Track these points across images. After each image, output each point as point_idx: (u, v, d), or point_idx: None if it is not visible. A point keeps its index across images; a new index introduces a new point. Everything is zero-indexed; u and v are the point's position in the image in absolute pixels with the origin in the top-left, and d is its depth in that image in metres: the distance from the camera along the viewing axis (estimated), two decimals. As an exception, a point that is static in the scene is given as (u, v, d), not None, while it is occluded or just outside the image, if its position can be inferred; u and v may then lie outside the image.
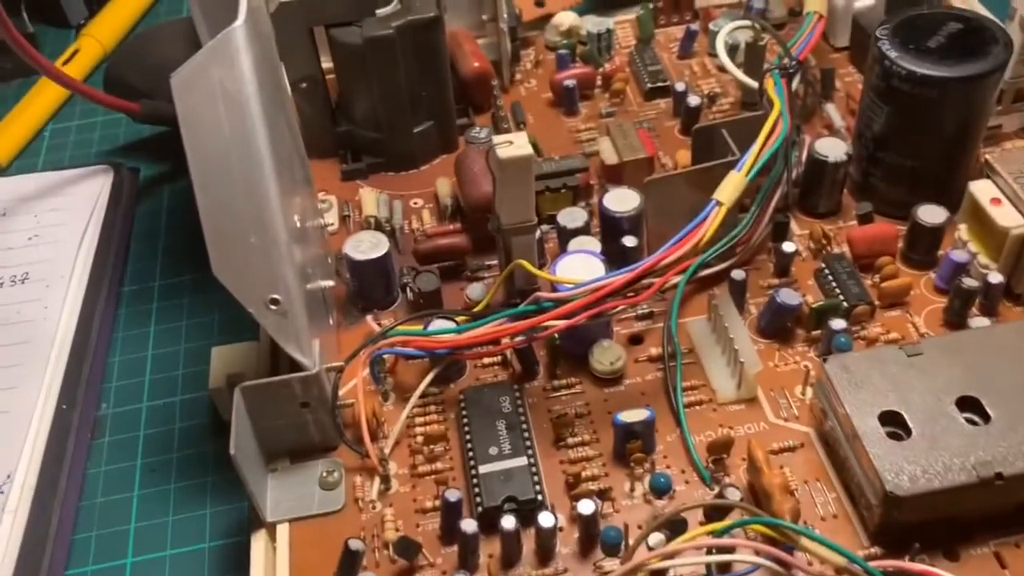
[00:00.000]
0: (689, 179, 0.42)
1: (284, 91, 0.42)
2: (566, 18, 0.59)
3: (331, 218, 0.50)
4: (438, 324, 0.41)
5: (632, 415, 0.37)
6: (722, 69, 0.55)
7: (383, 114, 0.51)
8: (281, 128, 0.38)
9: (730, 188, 0.39)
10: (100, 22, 0.70)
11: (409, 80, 0.50)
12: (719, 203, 0.39)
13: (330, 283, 0.42)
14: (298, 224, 0.38)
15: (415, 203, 0.51)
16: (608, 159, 0.49)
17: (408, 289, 0.45)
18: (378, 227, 0.49)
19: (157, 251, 0.55)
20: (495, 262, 0.46)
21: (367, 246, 0.44)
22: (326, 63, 0.51)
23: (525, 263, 0.40)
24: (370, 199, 0.50)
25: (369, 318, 0.45)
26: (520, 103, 0.56)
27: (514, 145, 0.38)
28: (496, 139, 0.39)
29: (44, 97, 0.64)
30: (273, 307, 0.36)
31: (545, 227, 0.47)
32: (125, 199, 0.56)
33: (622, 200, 0.45)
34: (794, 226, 0.47)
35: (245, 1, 0.35)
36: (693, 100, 0.51)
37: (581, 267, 0.41)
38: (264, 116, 0.35)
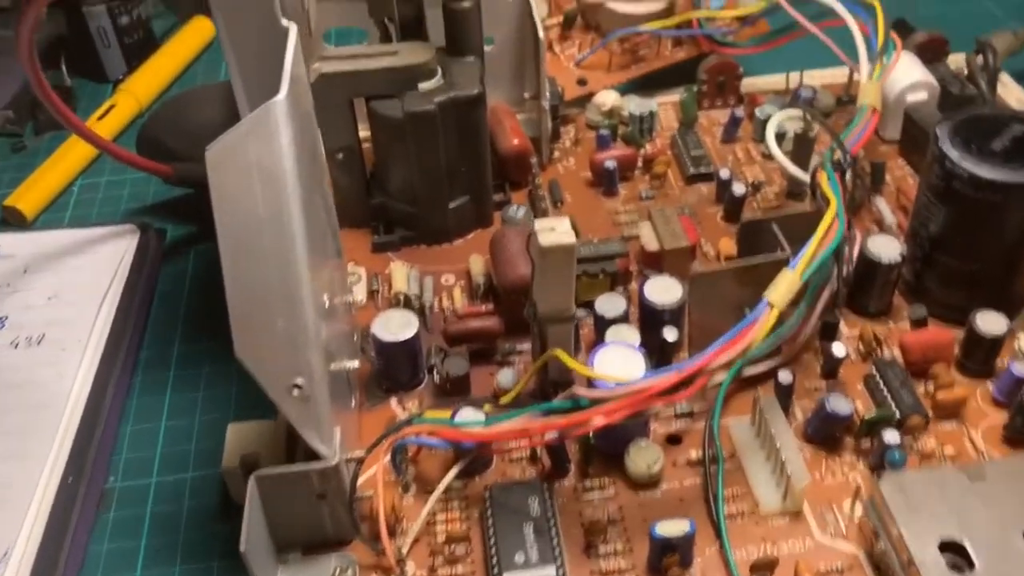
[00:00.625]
0: (737, 275, 0.40)
1: (321, 163, 0.40)
2: (608, 97, 0.57)
3: (360, 292, 0.48)
4: (466, 414, 0.39)
5: (671, 528, 0.35)
6: (768, 156, 0.53)
7: (419, 188, 0.49)
8: (316, 203, 0.37)
9: (783, 289, 0.37)
10: (138, 79, 0.70)
11: (448, 155, 0.48)
12: (771, 305, 0.37)
13: (355, 364, 0.40)
14: (326, 303, 0.37)
15: (446, 280, 0.49)
16: (649, 245, 0.47)
17: (435, 371, 0.44)
18: (407, 304, 0.47)
19: (178, 316, 0.53)
20: (527, 346, 0.45)
21: (396, 325, 0.42)
22: (363, 131, 0.50)
23: (562, 354, 0.38)
24: (400, 274, 0.48)
25: (393, 401, 0.43)
26: (558, 181, 0.54)
27: (557, 232, 0.37)
28: (538, 224, 0.37)
29: (75, 153, 0.63)
30: (296, 392, 0.34)
31: (581, 313, 0.45)
32: (150, 261, 0.55)
33: (664, 290, 0.43)
34: (843, 326, 0.45)
35: (288, 72, 0.34)
36: (738, 189, 0.50)
37: (620, 360, 0.39)
38: (300, 193, 0.33)
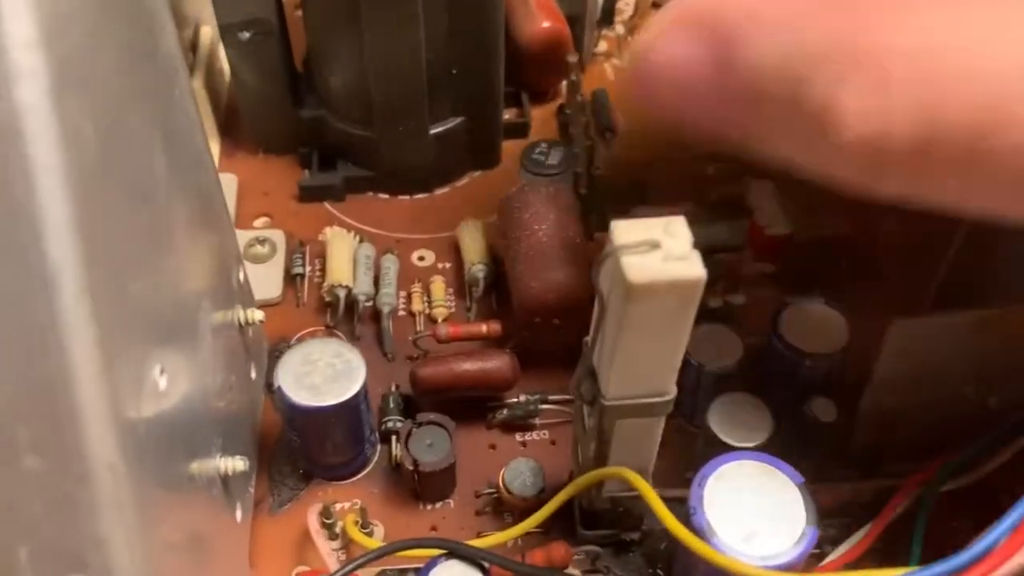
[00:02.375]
0: (978, 325, 0.21)
1: (166, 61, 0.20)
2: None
3: (271, 279, 0.28)
4: (448, 574, 0.21)
5: None
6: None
7: (380, 96, 0.29)
8: (140, 161, 0.17)
9: None
10: None
11: (433, 45, 0.28)
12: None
13: (240, 465, 0.21)
14: (160, 381, 0.17)
15: (421, 259, 0.30)
16: (772, 226, 0.28)
17: (394, 442, 0.25)
18: (350, 306, 0.28)
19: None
20: (562, 400, 0.26)
21: (325, 373, 0.23)
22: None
23: (636, 481, 0.20)
24: (342, 247, 0.28)
25: (312, 511, 0.23)
26: (606, 91, 0.34)
27: (665, 255, 0.17)
28: (620, 233, 0.17)
29: None
30: (77, 594, 0.16)
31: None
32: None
33: (814, 327, 0.24)
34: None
35: None
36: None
37: (759, 508, 0.20)
38: (71, 157, 0.13)
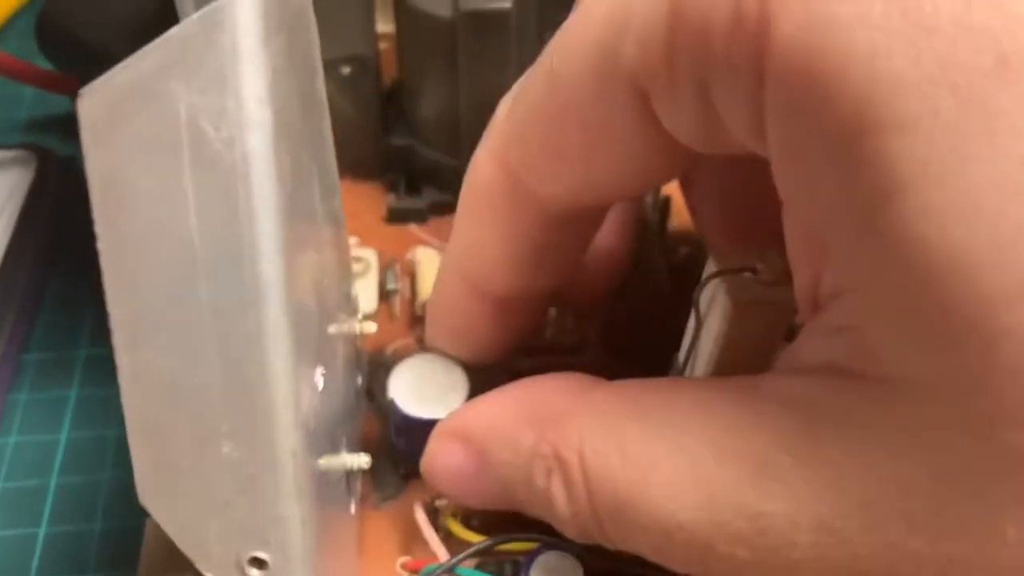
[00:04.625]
0: None
1: (319, 101, 0.22)
2: None
3: (367, 295, 0.31)
4: (544, 568, 0.23)
5: None
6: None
7: (469, 128, 0.31)
8: (306, 195, 0.19)
9: None
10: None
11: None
12: None
13: (363, 462, 0.23)
14: (320, 382, 0.19)
15: (501, 277, 0.32)
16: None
17: (486, 446, 0.27)
18: (442, 322, 0.30)
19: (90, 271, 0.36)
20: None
21: (433, 387, 0.25)
22: (383, 28, 0.32)
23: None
24: (431, 271, 0.31)
25: (418, 504, 0.26)
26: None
27: (755, 277, 0.20)
28: (719, 255, 0.20)
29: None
30: (255, 571, 0.18)
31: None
32: (50, 197, 0.37)
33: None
34: None
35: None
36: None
37: None
38: (282, 196, 0.16)
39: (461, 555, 0.23)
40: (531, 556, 0.23)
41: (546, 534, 0.23)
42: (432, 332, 0.26)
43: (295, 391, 0.17)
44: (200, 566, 0.18)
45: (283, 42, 0.17)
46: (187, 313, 0.16)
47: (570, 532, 0.20)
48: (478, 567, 0.24)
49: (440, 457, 0.22)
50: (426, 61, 0.31)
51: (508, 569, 0.24)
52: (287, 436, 0.17)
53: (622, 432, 0.18)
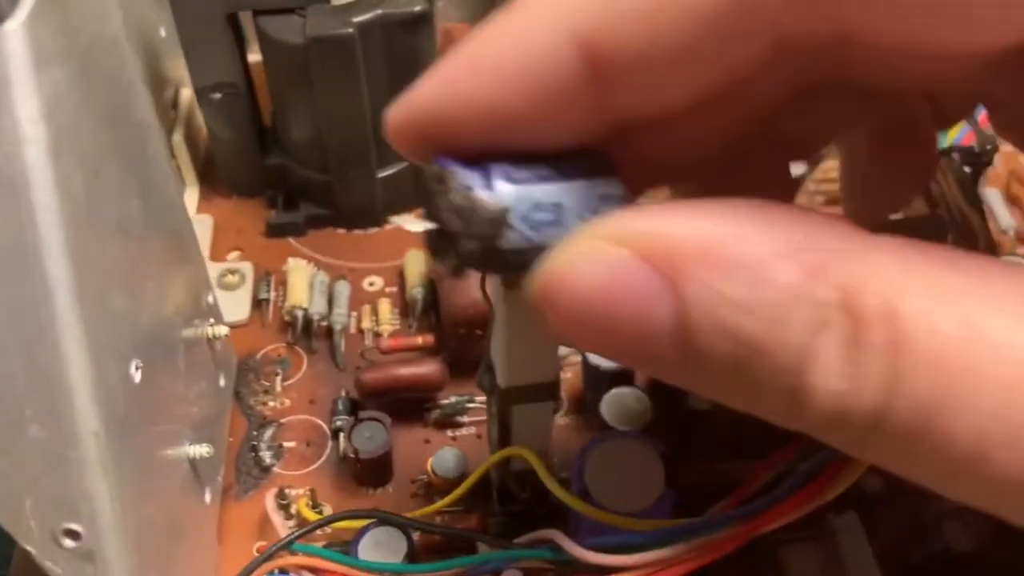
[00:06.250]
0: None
1: (139, 126, 0.24)
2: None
3: (240, 303, 0.33)
4: (373, 544, 0.25)
5: None
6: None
7: (333, 146, 0.34)
8: (116, 203, 0.22)
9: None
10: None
11: (376, 100, 0.33)
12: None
13: (204, 451, 0.26)
14: (135, 373, 0.22)
15: (371, 283, 0.34)
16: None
17: (339, 437, 0.29)
18: (307, 325, 0.32)
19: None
20: (483, 402, 0.30)
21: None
22: (254, 57, 0.34)
23: (532, 458, 0.24)
24: (300, 277, 0.33)
25: (269, 495, 0.28)
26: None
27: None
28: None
29: None
30: (68, 543, 0.20)
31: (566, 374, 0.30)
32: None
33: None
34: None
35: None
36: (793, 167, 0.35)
37: (623, 473, 0.24)
38: (64, 203, 0.18)
39: (298, 532, 0.25)
40: (362, 531, 0.25)
41: (376, 511, 0.26)
42: (458, 80, 0.16)
43: (93, 377, 0.19)
44: (20, 540, 0.20)
45: (72, 70, 0.19)
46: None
47: (805, 420, 0.14)
48: (326, 546, 0.26)
49: (593, 271, 0.15)
50: (288, 86, 0.33)
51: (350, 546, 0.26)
52: (87, 417, 0.19)
53: (963, 302, 0.13)
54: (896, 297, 0.13)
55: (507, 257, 0.16)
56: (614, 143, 0.17)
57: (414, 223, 0.17)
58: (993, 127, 0.21)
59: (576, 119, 0.16)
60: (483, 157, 0.16)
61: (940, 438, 0.13)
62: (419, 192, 0.17)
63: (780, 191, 0.21)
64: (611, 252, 0.14)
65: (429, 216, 0.17)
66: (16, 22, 0.17)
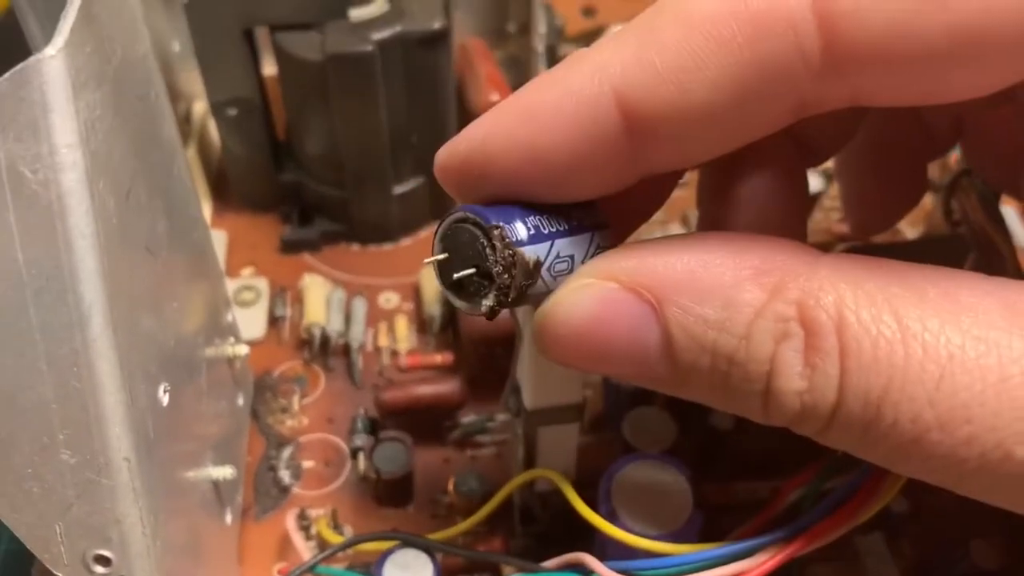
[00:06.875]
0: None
1: (166, 146, 0.24)
2: (622, 33, 0.41)
3: (256, 321, 0.33)
4: (399, 563, 0.25)
5: None
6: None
7: (349, 162, 0.34)
8: (146, 227, 0.21)
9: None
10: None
11: (393, 116, 0.33)
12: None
13: (228, 473, 0.25)
14: (163, 397, 0.21)
15: (386, 300, 0.34)
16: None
17: (359, 457, 0.29)
18: (323, 344, 0.32)
19: None
20: (508, 419, 0.30)
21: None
22: (270, 70, 0.34)
23: (558, 479, 0.24)
24: (317, 293, 0.33)
25: (290, 516, 0.27)
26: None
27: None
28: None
29: None
30: (100, 568, 0.20)
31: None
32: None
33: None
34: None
35: (77, 3, 0.18)
36: (814, 183, 0.35)
37: (657, 497, 0.24)
38: (99, 228, 0.18)
39: (320, 555, 0.25)
40: (385, 554, 0.25)
41: (399, 533, 0.25)
42: (505, 123, 0.17)
43: (125, 402, 0.19)
44: (50, 565, 0.20)
45: (105, 93, 0.19)
46: (20, 336, 0.18)
47: (775, 417, 0.16)
48: (348, 568, 0.26)
49: (586, 303, 0.17)
50: (305, 102, 0.33)
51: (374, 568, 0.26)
52: (119, 443, 0.19)
53: (898, 308, 0.15)
54: (844, 308, 0.15)
55: (529, 300, 0.18)
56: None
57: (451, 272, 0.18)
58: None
59: (611, 167, 0.17)
60: (500, 202, 0.18)
61: (886, 426, 0.15)
62: (451, 238, 0.18)
63: (792, 190, 0.22)
64: (601, 286, 0.17)
65: (464, 263, 0.18)
66: (55, 47, 0.17)
